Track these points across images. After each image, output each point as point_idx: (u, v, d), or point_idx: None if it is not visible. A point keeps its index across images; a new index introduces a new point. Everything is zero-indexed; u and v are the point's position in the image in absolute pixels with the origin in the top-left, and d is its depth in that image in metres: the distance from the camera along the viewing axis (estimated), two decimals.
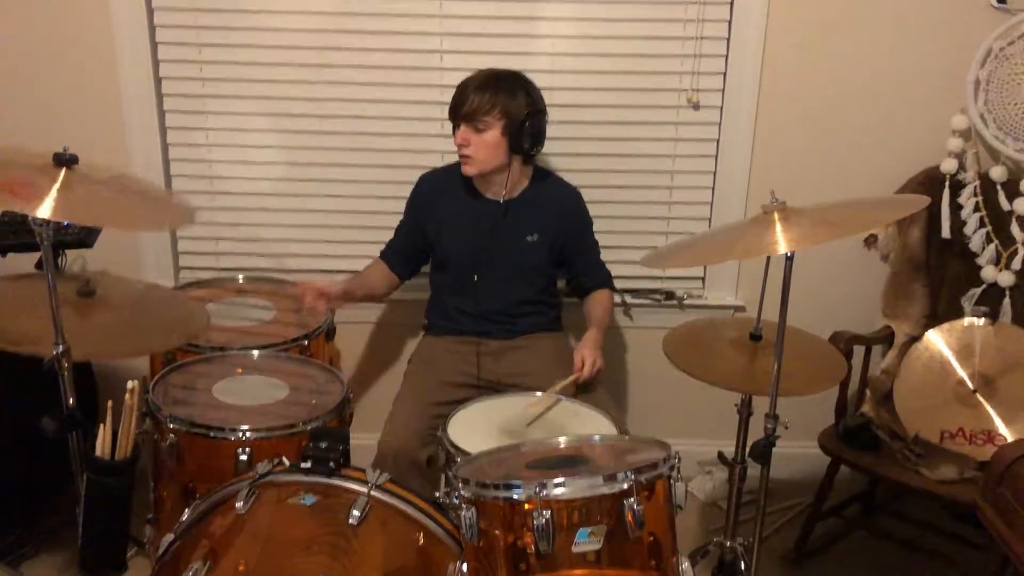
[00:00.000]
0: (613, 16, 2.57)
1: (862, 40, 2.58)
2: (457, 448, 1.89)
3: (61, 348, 1.77)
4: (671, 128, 2.68)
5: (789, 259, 1.72)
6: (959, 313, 2.54)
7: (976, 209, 2.55)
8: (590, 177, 2.65)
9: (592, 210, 2.49)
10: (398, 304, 2.79)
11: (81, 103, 2.64)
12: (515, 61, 2.55)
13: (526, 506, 1.44)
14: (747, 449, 1.91)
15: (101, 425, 1.81)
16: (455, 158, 2.33)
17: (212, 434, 1.89)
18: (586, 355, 2.25)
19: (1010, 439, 2.30)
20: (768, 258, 1.95)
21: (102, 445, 1.80)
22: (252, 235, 2.78)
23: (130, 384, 1.83)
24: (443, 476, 1.74)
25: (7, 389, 2.31)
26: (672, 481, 1.53)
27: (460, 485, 1.51)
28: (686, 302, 2.81)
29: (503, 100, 2.20)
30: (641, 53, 2.61)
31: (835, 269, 2.75)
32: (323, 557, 1.49)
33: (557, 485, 1.43)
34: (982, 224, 2.54)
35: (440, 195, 2.40)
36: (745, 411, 2.05)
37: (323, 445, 1.66)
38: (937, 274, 2.62)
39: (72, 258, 2.58)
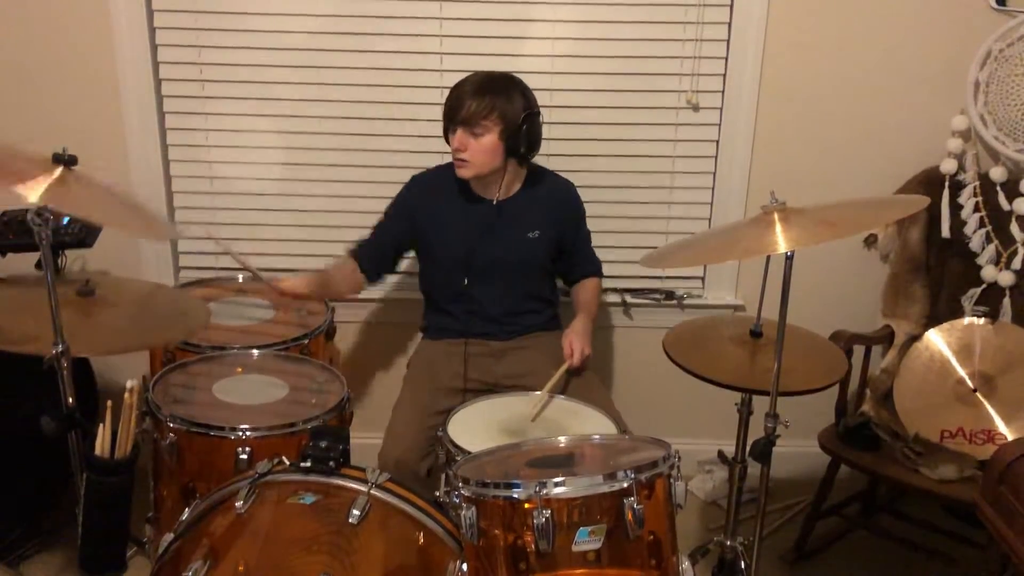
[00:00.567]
0: (613, 17, 2.57)
1: (862, 41, 2.58)
2: (457, 447, 1.89)
3: (60, 347, 1.77)
4: (671, 129, 2.68)
5: (789, 259, 1.72)
6: (959, 313, 2.54)
7: (976, 209, 2.55)
8: (590, 177, 2.65)
9: (592, 211, 2.49)
10: (398, 304, 2.79)
11: (81, 103, 2.64)
12: (515, 62, 2.55)
13: (526, 505, 1.44)
14: (747, 448, 1.91)
15: (101, 424, 1.81)
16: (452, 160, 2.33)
17: (212, 433, 1.89)
18: (574, 342, 2.26)
19: (1010, 438, 2.31)
20: (768, 258, 1.95)
21: (102, 444, 1.80)
22: (252, 235, 2.78)
23: (130, 383, 1.82)
24: (443, 475, 1.73)
25: (7, 389, 2.31)
26: (672, 480, 1.53)
27: (460, 484, 1.51)
28: (686, 302, 2.81)
29: (500, 104, 2.18)
30: (641, 54, 2.61)
31: (835, 269, 2.76)
32: (323, 556, 1.49)
33: (557, 484, 1.43)
34: (982, 224, 2.55)
35: (433, 197, 2.37)
36: (745, 410, 2.05)
37: (323, 444, 1.66)
38: (937, 274, 2.62)
39: (72, 258, 2.58)
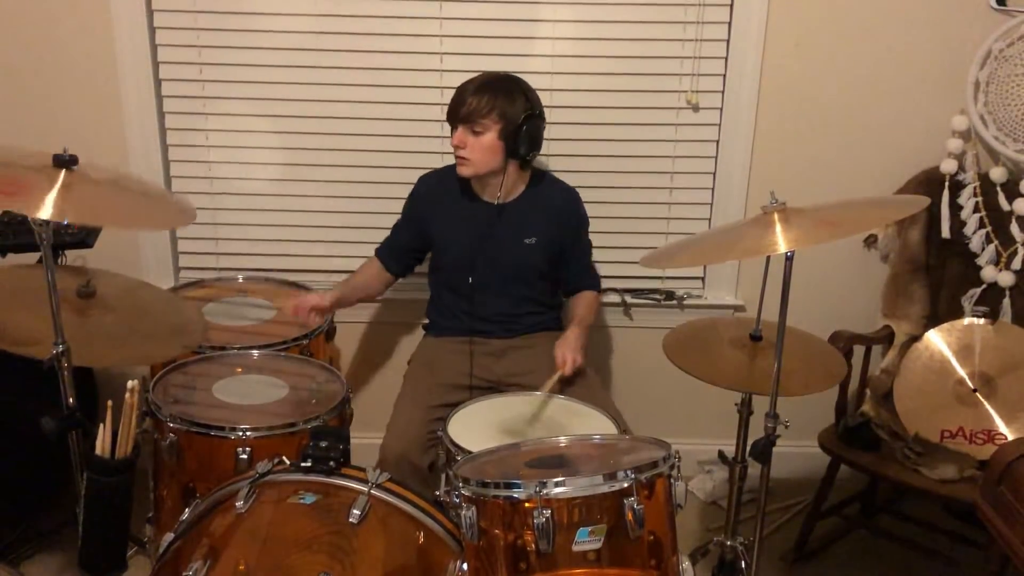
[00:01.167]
0: (613, 18, 2.57)
1: (862, 41, 2.58)
2: (458, 447, 1.89)
3: (61, 348, 1.77)
4: (671, 129, 2.68)
5: (789, 259, 1.73)
6: (959, 313, 2.54)
7: (976, 209, 2.55)
8: (590, 177, 2.65)
9: (592, 211, 2.49)
10: (398, 304, 2.79)
11: (81, 103, 2.64)
12: (515, 63, 2.55)
13: (526, 505, 1.44)
14: (747, 448, 1.91)
15: (101, 424, 1.81)
16: (453, 159, 2.33)
17: (212, 433, 1.89)
18: (566, 353, 2.24)
19: (1010, 438, 2.31)
20: (768, 258, 1.95)
21: (102, 444, 1.80)
22: (252, 235, 2.78)
23: (130, 383, 1.82)
24: (444, 475, 1.74)
25: (7, 389, 2.31)
26: (672, 480, 1.53)
27: (460, 484, 1.51)
28: (686, 302, 2.81)
29: (501, 103, 2.20)
30: (641, 54, 2.61)
31: (835, 269, 2.76)
32: (323, 556, 1.49)
33: (557, 484, 1.43)
34: (982, 224, 2.55)
35: (438, 196, 2.40)
36: (745, 410, 2.05)
37: (323, 444, 1.66)
38: (937, 274, 2.62)
39: (72, 258, 2.58)
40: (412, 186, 2.46)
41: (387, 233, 2.50)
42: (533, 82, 2.31)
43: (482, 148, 2.22)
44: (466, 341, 2.38)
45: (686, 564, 1.57)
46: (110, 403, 1.82)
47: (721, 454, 2.15)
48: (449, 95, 2.29)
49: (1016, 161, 2.54)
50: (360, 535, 1.54)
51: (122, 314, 2.04)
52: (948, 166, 2.57)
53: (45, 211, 1.59)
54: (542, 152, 2.36)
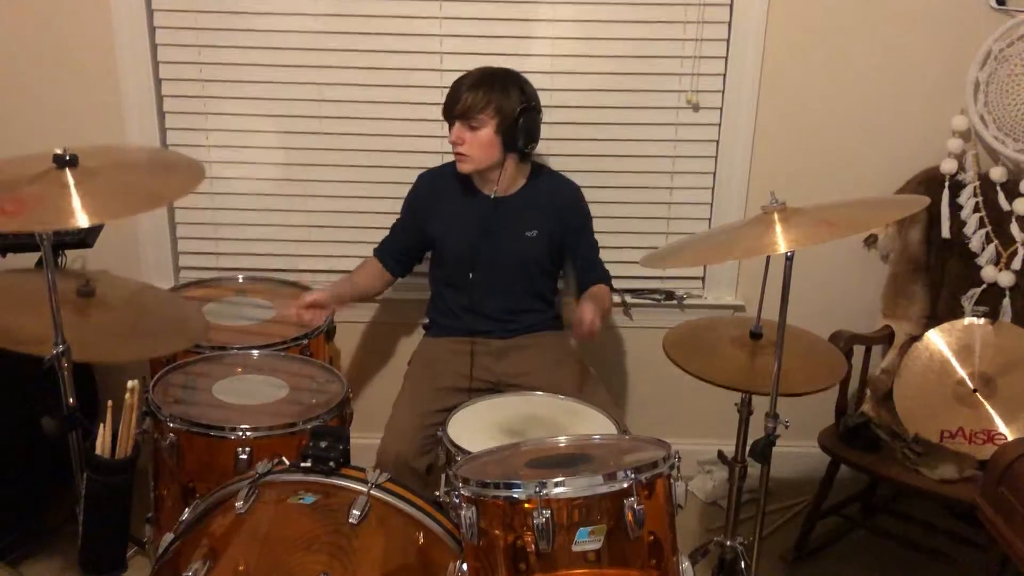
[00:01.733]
0: (613, 17, 2.57)
1: (862, 41, 2.58)
2: (457, 447, 1.89)
3: (61, 348, 1.77)
4: (671, 129, 2.68)
5: (789, 259, 1.73)
6: (959, 313, 2.54)
7: (976, 209, 2.55)
8: (590, 177, 2.65)
9: (592, 210, 2.49)
10: (398, 304, 2.79)
11: (81, 103, 2.64)
12: (515, 62, 2.55)
13: (526, 505, 1.44)
14: (747, 448, 1.91)
15: (101, 424, 1.81)
16: (453, 156, 2.33)
17: (212, 433, 1.89)
18: (586, 309, 2.16)
19: (1010, 438, 2.31)
20: (768, 258, 1.95)
21: (102, 444, 1.80)
22: (252, 235, 2.78)
23: (130, 383, 1.82)
24: (443, 475, 1.73)
25: (7, 389, 2.31)
26: (672, 480, 1.53)
27: (460, 484, 1.51)
28: (686, 302, 2.81)
29: (496, 97, 2.20)
30: (641, 54, 2.61)
31: (835, 269, 2.76)
32: (323, 556, 1.49)
33: (557, 484, 1.43)
34: (982, 224, 2.55)
35: (438, 194, 2.40)
36: (745, 410, 2.05)
37: (323, 444, 1.66)
38: (937, 274, 2.62)
39: (72, 258, 2.58)
40: (412, 184, 2.46)
41: (387, 233, 2.50)
42: (533, 82, 2.31)
43: (480, 143, 2.23)
44: (466, 342, 2.38)
45: (686, 564, 1.57)
46: (110, 403, 1.81)
47: (721, 454, 2.15)
48: None
49: (1016, 161, 2.54)
50: (360, 535, 1.54)
51: (123, 312, 2.04)
52: (948, 166, 2.57)
53: (51, 224, 1.58)
54: (543, 150, 2.36)
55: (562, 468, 1.56)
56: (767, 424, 1.84)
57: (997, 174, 2.53)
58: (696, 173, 2.73)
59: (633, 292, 2.81)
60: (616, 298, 2.80)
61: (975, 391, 2.38)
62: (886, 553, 2.57)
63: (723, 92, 2.64)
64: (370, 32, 2.59)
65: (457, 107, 2.22)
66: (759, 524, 1.97)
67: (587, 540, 1.43)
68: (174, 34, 2.61)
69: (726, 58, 2.61)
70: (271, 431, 1.90)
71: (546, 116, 2.32)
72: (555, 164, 2.58)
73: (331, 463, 1.63)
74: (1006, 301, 2.52)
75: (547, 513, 1.41)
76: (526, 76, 2.30)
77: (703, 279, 2.84)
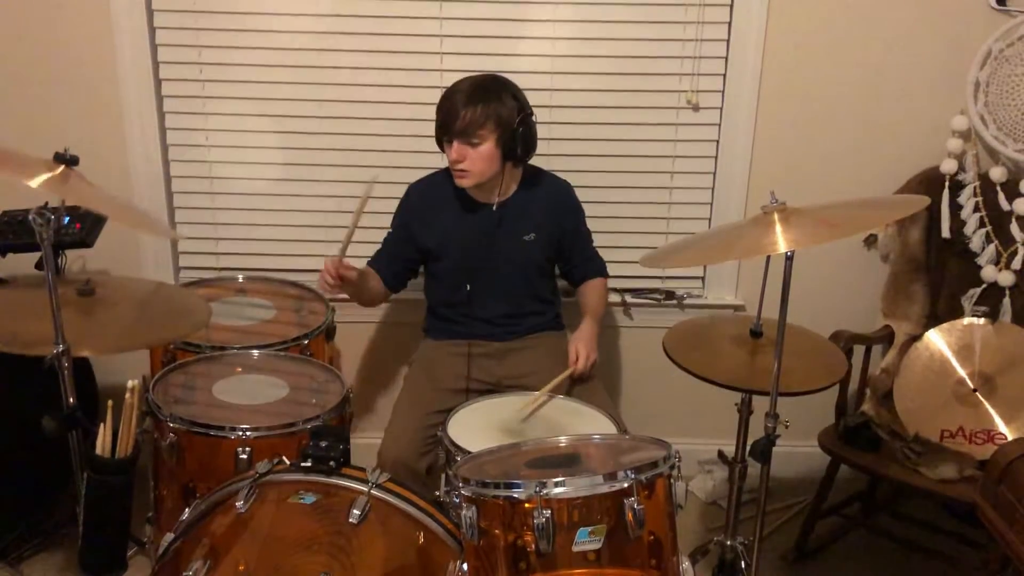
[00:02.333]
0: (613, 17, 2.57)
1: (862, 41, 2.58)
2: (457, 447, 1.89)
3: (61, 347, 1.77)
4: (671, 129, 2.68)
5: (789, 259, 1.73)
6: (959, 313, 2.54)
7: (976, 209, 2.55)
8: (590, 177, 2.65)
9: (592, 210, 2.49)
10: (398, 304, 2.79)
11: (81, 103, 2.64)
12: (515, 62, 2.55)
13: (526, 505, 1.44)
14: (747, 448, 1.91)
15: (101, 424, 1.81)
16: (450, 171, 2.31)
17: (212, 433, 1.89)
18: (580, 348, 2.23)
19: (1010, 438, 2.30)
20: (768, 258, 1.95)
21: (102, 444, 1.80)
22: (252, 235, 2.78)
23: (130, 383, 1.83)
24: (443, 475, 1.74)
25: (7, 389, 2.31)
26: (672, 480, 1.53)
27: (460, 484, 1.51)
28: (686, 301, 2.81)
29: (495, 110, 2.15)
30: (641, 54, 2.61)
31: (835, 269, 2.76)
32: (323, 556, 1.49)
33: (557, 484, 1.43)
34: (982, 224, 2.55)
35: (431, 206, 2.36)
36: (745, 410, 2.05)
37: (323, 444, 1.66)
38: (937, 274, 2.62)
39: (72, 258, 2.58)
40: (402, 197, 2.43)
41: (387, 232, 2.48)
42: (532, 82, 2.31)
43: (481, 158, 2.19)
44: (467, 344, 2.37)
45: (686, 564, 1.57)
46: (110, 403, 1.82)
47: (721, 454, 2.15)
48: None
49: (1016, 161, 2.54)
50: (360, 535, 1.54)
51: (125, 306, 2.04)
52: (948, 166, 2.57)
53: (36, 182, 1.60)
54: (543, 151, 2.35)
55: (562, 468, 1.56)
56: (767, 424, 1.84)
57: (997, 174, 2.53)
58: (696, 173, 2.73)
59: (633, 292, 2.81)
60: (616, 298, 2.80)
61: (975, 391, 2.38)
62: (886, 553, 2.57)
63: (723, 92, 2.64)
64: (370, 32, 2.59)
65: (456, 125, 2.15)
66: (759, 524, 1.97)
67: (587, 540, 1.43)
68: (174, 34, 2.61)
69: (726, 58, 2.61)
70: (271, 431, 1.90)
71: (546, 116, 2.32)
72: (555, 164, 2.58)
73: (331, 463, 1.63)
74: (1006, 301, 2.52)
75: (547, 513, 1.42)
76: (526, 77, 2.30)
77: (703, 279, 2.84)
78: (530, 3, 2.57)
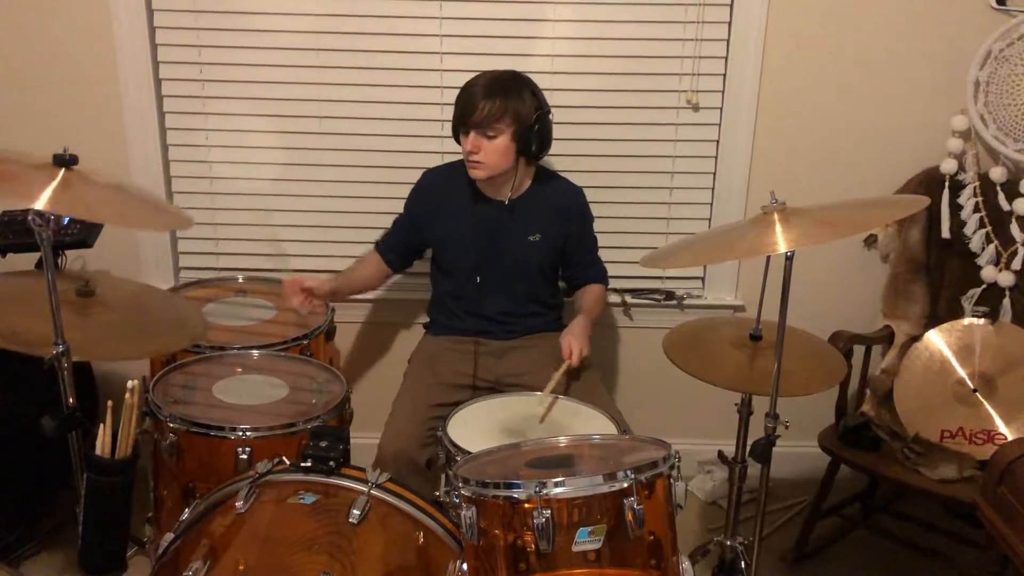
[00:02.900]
0: (613, 17, 2.57)
1: (862, 41, 2.58)
2: (457, 447, 1.89)
3: (61, 348, 1.77)
4: (671, 129, 2.68)
5: (789, 259, 1.73)
6: (959, 313, 2.54)
7: (976, 209, 2.55)
8: (590, 177, 2.64)
9: (592, 210, 2.49)
10: (397, 303, 2.79)
11: (81, 103, 2.64)
12: (515, 62, 2.55)
13: (526, 505, 1.44)
14: (747, 448, 1.91)
15: (101, 424, 1.81)
16: (454, 158, 2.32)
17: (212, 433, 1.89)
18: (572, 342, 2.23)
19: (1010, 438, 2.31)
20: (768, 258, 1.95)
21: (102, 444, 1.80)
22: (252, 235, 2.78)
23: (130, 383, 1.82)
24: (443, 475, 1.73)
25: (7, 389, 2.31)
26: (672, 480, 1.53)
27: (460, 484, 1.51)
28: (686, 302, 2.81)
29: (513, 104, 2.17)
30: (641, 54, 2.61)
31: (835, 269, 2.76)
32: (323, 556, 1.49)
33: (557, 484, 1.43)
34: (982, 224, 2.55)
35: (444, 196, 2.38)
36: (745, 410, 2.05)
37: (323, 444, 1.66)
38: (937, 274, 2.62)
39: (72, 258, 2.58)
40: (412, 185, 2.45)
41: (397, 216, 2.48)
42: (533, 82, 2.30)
43: (496, 151, 2.20)
44: (467, 341, 2.38)
45: (686, 564, 1.57)
46: (110, 403, 1.82)
47: (721, 454, 2.15)
48: (449, 95, 2.28)
49: (1016, 161, 2.54)
50: (360, 535, 1.54)
51: (123, 312, 2.04)
52: (948, 166, 2.57)
53: (40, 202, 1.59)
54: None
55: (562, 468, 1.56)
56: (767, 424, 1.84)
57: (997, 174, 2.53)
58: (696, 173, 2.73)
59: (633, 292, 2.81)
60: (616, 298, 2.80)
61: (975, 391, 2.38)
62: (886, 553, 2.57)
63: (723, 92, 2.64)
64: (370, 32, 2.59)
65: (474, 117, 2.17)
66: (759, 524, 1.97)
67: (587, 540, 1.43)
68: (174, 34, 2.61)
69: (726, 58, 2.61)
70: (271, 431, 1.90)
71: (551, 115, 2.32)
72: (555, 164, 2.58)
73: (331, 463, 1.63)
74: (1006, 301, 2.52)
75: (547, 513, 1.41)
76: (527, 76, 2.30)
77: (703, 279, 2.84)
78: (530, 3, 2.57)
